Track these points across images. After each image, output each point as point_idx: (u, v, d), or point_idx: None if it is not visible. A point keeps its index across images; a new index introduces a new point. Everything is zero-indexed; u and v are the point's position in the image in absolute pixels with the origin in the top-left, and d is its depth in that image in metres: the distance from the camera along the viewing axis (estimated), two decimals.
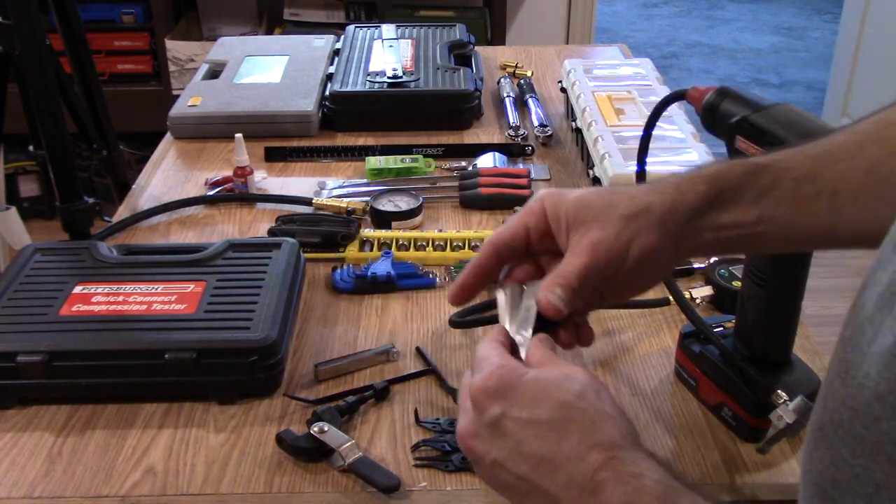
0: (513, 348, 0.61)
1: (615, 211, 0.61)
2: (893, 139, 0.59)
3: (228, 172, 1.24)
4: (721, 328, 0.82)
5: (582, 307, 0.64)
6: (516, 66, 1.65)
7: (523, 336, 0.61)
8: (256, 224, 1.15)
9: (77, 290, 0.89)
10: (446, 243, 1.06)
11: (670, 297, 0.90)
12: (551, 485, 0.53)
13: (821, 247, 0.67)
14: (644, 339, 0.93)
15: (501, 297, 0.64)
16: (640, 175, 0.83)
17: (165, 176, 1.29)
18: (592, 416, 0.53)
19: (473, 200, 1.17)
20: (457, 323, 0.89)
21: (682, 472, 0.76)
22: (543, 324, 0.62)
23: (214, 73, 1.55)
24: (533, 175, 1.23)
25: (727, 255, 0.65)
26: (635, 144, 0.85)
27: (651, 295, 0.98)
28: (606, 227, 0.60)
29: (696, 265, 1.01)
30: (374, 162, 1.27)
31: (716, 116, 0.74)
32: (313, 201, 1.17)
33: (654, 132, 0.83)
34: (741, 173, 0.61)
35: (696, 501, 0.51)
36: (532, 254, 0.65)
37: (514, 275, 0.66)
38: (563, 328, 0.64)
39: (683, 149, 1.13)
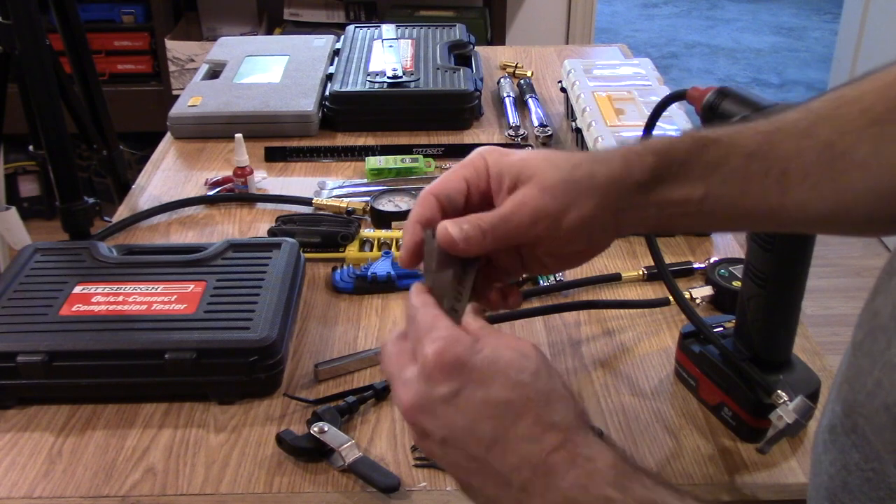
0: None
1: (557, 173, 0.58)
2: (847, 118, 0.57)
3: (228, 172, 1.24)
4: (721, 328, 0.82)
5: (505, 266, 0.62)
6: (516, 66, 1.65)
7: (458, 303, 0.58)
8: (256, 224, 1.15)
9: (77, 290, 0.89)
10: None
11: (670, 297, 0.90)
12: (503, 465, 0.51)
13: (763, 227, 0.65)
14: (644, 339, 0.93)
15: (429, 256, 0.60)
16: None
17: (165, 176, 1.29)
18: (547, 396, 0.52)
19: None
20: None
21: (683, 471, 0.76)
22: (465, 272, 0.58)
23: (214, 73, 1.55)
24: None
25: (665, 232, 0.63)
26: None
27: (651, 295, 0.98)
28: (545, 189, 0.58)
29: (696, 265, 1.01)
30: (374, 162, 1.27)
31: (716, 116, 0.74)
32: (313, 201, 1.17)
33: (654, 132, 0.83)
34: (689, 146, 0.59)
35: (646, 485, 0.50)
36: (468, 211, 0.61)
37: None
38: (490, 290, 0.62)
39: None
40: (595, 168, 0.59)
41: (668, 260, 0.93)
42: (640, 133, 0.83)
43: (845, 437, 0.47)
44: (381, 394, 0.83)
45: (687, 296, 0.92)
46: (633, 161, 0.59)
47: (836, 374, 0.50)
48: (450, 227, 0.57)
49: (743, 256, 0.80)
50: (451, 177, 0.61)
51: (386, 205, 1.13)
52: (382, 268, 1.00)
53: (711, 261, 1.00)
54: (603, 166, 0.59)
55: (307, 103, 1.40)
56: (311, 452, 0.76)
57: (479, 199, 0.61)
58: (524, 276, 0.64)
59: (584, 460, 0.50)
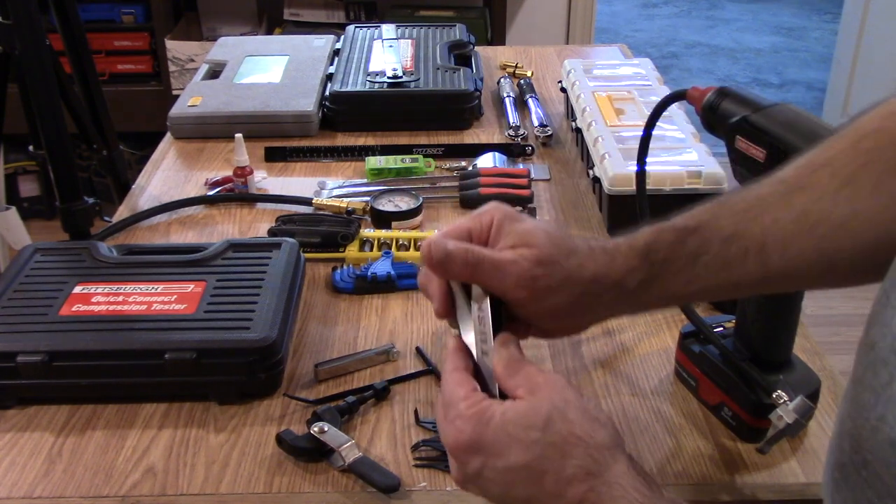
0: (475, 362, 0.59)
1: (555, 252, 0.59)
2: (819, 185, 0.59)
3: (228, 172, 1.24)
4: (721, 328, 0.82)
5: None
6: (516, 66, 1.65)
7: (486, 346, 0.59)
8: (256, 224, 1.15)
9: (77, 290, 0.89)
10: None
11: None
12: None
13: (753, 293, 0.69)
14: (644, 339, 0.93)
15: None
16: (641, 175, 0.83)
17: (165, 176, 1.29)
18: (562, 449, 0.53)
19: (474, 200, 1.17)
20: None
21: (683, 471, 0.76)
22: (497, 322, 0.60)
23: (214, 73, 1.55)
24: (533, 175, 1.23)
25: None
26: (635, 144, 0.85)
27: None
28: (540, 263, 0.59)
29: None
30: (374, 162, 1.27)
31: (716, 116, 0.74)
32: (313, 201, 1.17)
33: (654, 132, 0.83)
34: (670, 242, 0.61)
35: None
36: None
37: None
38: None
39: (683, 149, 1.13)
40: (585, 263, 0.60)
41: None
42: (642, 133, 0.83)
43: (856, 475, 0.47)
44: (381, 394, 0.83)
45: None
46: (619, 262, 0.61)
47: (839, 409, 0.50)
48: (439, 238, 0.59)
49: None
50: (458, 226, 0.62)
51: (386, 205, 1.13)
52: (382, 268, 1.00)
53: None
54: (591, 263, 0.60)
55: (307, 103, 1.40)
56: (311, 452, 0.76)
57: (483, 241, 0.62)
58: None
59: (611, 501, 0.52)
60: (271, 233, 1.09)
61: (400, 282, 1.00)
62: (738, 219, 0.60)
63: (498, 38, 2.84)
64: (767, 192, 0.61)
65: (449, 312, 0.62)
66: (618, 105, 1.27)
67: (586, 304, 0.60)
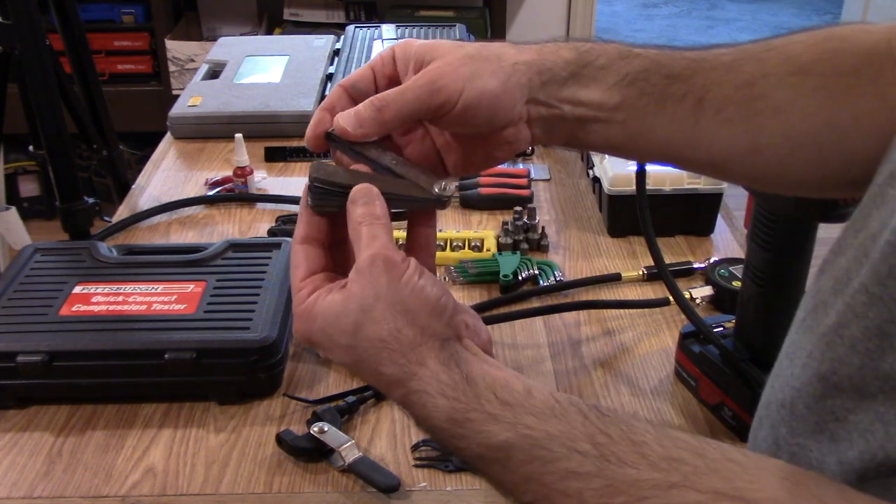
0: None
1: (462, 50, 0.58)
2: (771, 62, 0.58)
3: (228, 172, 1.24)
4: (721, 328, 0.82)
5: (419, 159, 0.61)
6: None
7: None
8: (256, 224, 1.15)
9: (77, 290, 0.89)
10: (446, 243, 1.06)
11: (670, 297, 0.89)
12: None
13: (674, 159, 0.63)
14: (644, 339, 0.93)
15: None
16: (640, 174, 0.83)
17: (165, 176, 1.29)
18: (372, 355, 0.53)
19: (473, 200, 1.17)
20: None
21: None
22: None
23: (214, 73, 1.55)
24: (533, 175, 1.23)
25: (582, 146, 0.60)
26: None
27: (651, 295, 0.98)
28: (448, 63, 0.57)
29: (696, 265, 1.01)
30: None
31: None
32: None
33: None
34: (613, 54, 0.59)
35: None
36: None
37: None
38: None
39: None
40: (504, 51, 0.58)
41: (668, 260, 0.93)
42: None
43: (777, 413, 0.48)
44: (381, 394, 0.83)
45: (687, 296, 0.92)
46: (548, 52, 0.59)
47: (778, 357, 0.51)
48: (339, 118, 0.57)
49: (743, 256, 0.80)
50: (359, 70, 0.61)
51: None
52: None
53: (711, 261, 1.00)
54: (514, 50, 0.59)
55: (307, 103, 1.40)
56: (311, 452, 0.76)
57: (386, 85, 0.60)
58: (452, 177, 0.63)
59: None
60: (271, 233, 1.09)
61: None
62: (686, 64, 0.59)
63: (498, 38, 2.84)
64: (720, 53, 0.59)
65: (318, 147, 0.60)
66: None
67: (510, 98, 0.57)
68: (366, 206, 0.56)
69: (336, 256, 0.59)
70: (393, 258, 0.54)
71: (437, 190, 0.58)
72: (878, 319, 0.41)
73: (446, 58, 0.57)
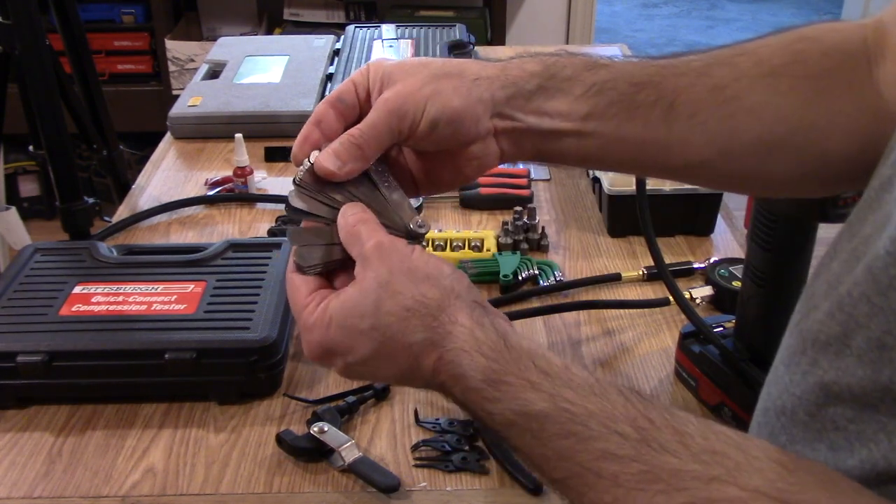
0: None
1: (425, 70, 0.58)
2: (743, 66, 0.58)
3: (228, 172, 1.24)
4: (721, 328, 0.82)
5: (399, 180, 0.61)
6: None
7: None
8: (256, 224, 1.15)
9: (77, 290, 0.89)
10: (446, 243, 1.06)
11: (670, 297, 0.89)
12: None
13: (649, 167, 0.63)
14: (644, 339, 0.93)
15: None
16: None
17: (165, 176, 1.29)
18: (400, 327, 0.52)
19: (473, 200, 1.17)
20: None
21: None
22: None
23: (214, 73, 1.55)
24: (533, 175, 1.23)
25: (555, 160, 0.60)
26: None
27: (651, 295, 0.98)
28: (409, 82, 0.57)
29: (696, 265, 1.01)
30: None
31: None
32: None
33: None
34: (580, 65, 0.59)
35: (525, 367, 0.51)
36: (364, 109, 0.61)
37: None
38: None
39: None
40: (467, 66, 0.58)
41: (668, 260, 0.93)
42: None
43: (776, 419, 0.48)
44: (381, 394, 0.83)
45: (687, 296, 0.92)
46: (512, 66, 0.59)
47: (776, 357, 0.51)
48: (322, 159, 0.58)
49: (743, 256, 0.80)
50: (343, 83, 0.61)
51: None
52: None
53: (711, 261, 1.00)
54: (477, 66, 0.59)
55: (307, 103, 1.40)
56: (311, 452, 0.76)
57: (366, 98, 0.60)
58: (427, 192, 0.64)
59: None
60: (271, 233, 1.09)
61: None
62: (655, 71, 0.58)
63: (498, 38, 2.84)
64: (690, 59, 0.59)
65: (307, 155, 0.61)
66: None
67: (473, 113, 0.57)
68: (357, 214, 0.57)
69: (332, 279, 0.59)
70: (397, 242, 0.55)
71: (411, 226, 0.59)
72: (878, 331, 0.41)
73: (407, 81, 0.58)
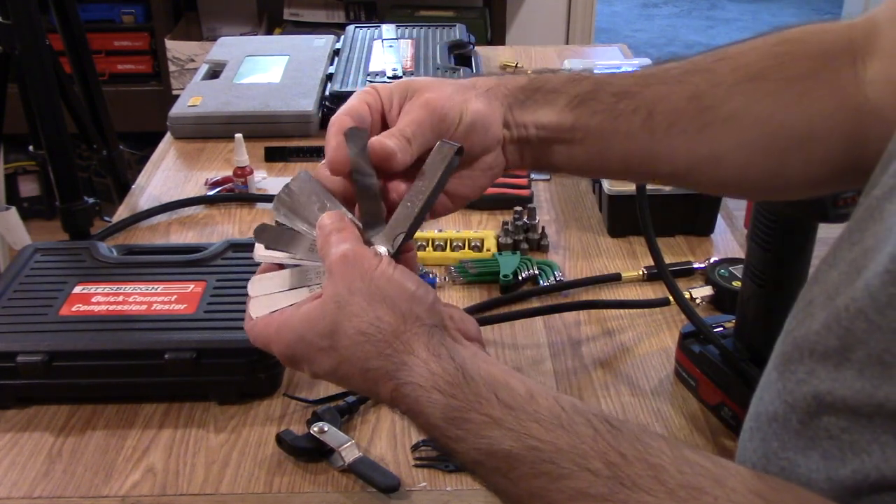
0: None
1: (444, 83, 0.61)
2: (721, 73, 0.58)
3: (228, 172, 1.24)
4: (721, 328, 0.82)
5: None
6: (516, 66, 1.65)
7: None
8: (256, 224, 1.15)
9: (77, 290, 0.89)
10: (446, 243, 1.06)
11: (670, 297, 0.89)
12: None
13: (639, 174, 0.64)
14: (644, 339, 0.93)
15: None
16: None
17: (165, 176, 1.29)
18: (355, 352, 0.52)
19: (473, 201, 1.17)
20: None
21: None
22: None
23: (214, 73, 1.55)
24: (533, 175, 1.23)
25: (551, 168, 0.64)
26: None
27: (651, 295, 0.98)
28: (438, 90, 0.60)
29: (696, 265, 1.01)
30: None
31: None
32: None
33: None
34: (563, 79, 0.61)
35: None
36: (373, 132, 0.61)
37: None
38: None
39: None
40: (475, 81, 0.62)
41: (668, 260, 0.93)
42: None
43: (767, 426, 0.48)
44: None
45: (687, 296, 0.92)
46: (505, 80, 0.62)
47: (769, 362, 0.51)
48: (385, 142, 0.58)
49: (743, 256, 0.80)
50: (352, 102, 0.61)
51: None
52: None
53: (711, 261, 1.00)
54: (480, 80, 0.62)
55: (307, 103, 1.40)
56: (311, 452, 0.76)
57: (378, 118, 0.61)
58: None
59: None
60: None
61: None
62: (633, 81, 0.60)
63: (498, 38, 2.84)
64: (668, 67, 0.60)
65: (345, 169, 0.59)
66: None
67: (494, 119, 0.60)
68: (334, 221, 0.57)
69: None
70: (364, 253, 0.54)
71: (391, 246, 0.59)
72: (877, 348, 0.41)
73: (437, 89, 0.60)
